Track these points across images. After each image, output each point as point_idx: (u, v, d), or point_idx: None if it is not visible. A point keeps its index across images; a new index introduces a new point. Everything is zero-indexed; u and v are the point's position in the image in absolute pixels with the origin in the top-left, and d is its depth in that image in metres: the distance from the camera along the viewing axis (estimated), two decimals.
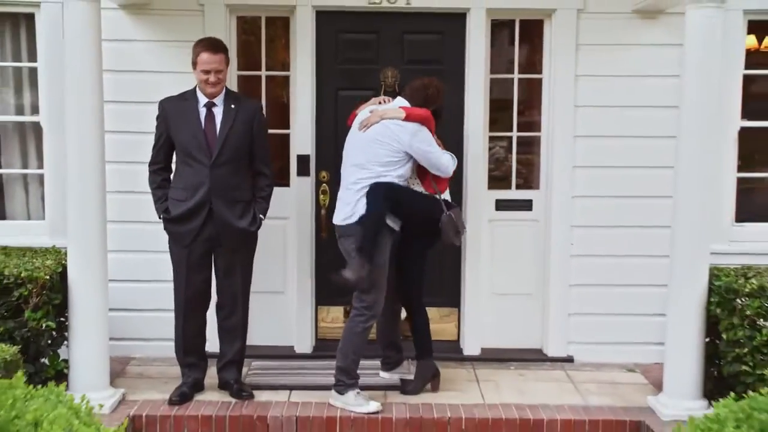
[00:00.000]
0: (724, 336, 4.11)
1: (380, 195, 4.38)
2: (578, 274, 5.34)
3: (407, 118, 4.41)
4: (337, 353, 4.49)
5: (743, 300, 4.03)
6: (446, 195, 4.75)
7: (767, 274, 4.20)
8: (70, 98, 4.33)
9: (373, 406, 4.36)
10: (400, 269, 4.64)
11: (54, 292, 4.13)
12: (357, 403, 4.35)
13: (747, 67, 5.34)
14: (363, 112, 4.64)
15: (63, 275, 4.24)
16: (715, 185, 4.60)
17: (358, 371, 4.47)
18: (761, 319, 3.97)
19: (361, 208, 4.39)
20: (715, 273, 4.32)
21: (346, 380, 4.39)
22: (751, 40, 5.48)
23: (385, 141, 4.42)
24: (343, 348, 4.47)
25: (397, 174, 4.47)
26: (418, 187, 4.63)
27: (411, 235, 4.59)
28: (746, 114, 5.34)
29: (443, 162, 4.53)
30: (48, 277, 4.06)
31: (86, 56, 4.26)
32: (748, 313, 3.97)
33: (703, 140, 4.28)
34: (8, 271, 3.95)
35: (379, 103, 4.71)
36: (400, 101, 4.57)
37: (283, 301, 5.42)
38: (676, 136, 4.44)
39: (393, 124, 4.42)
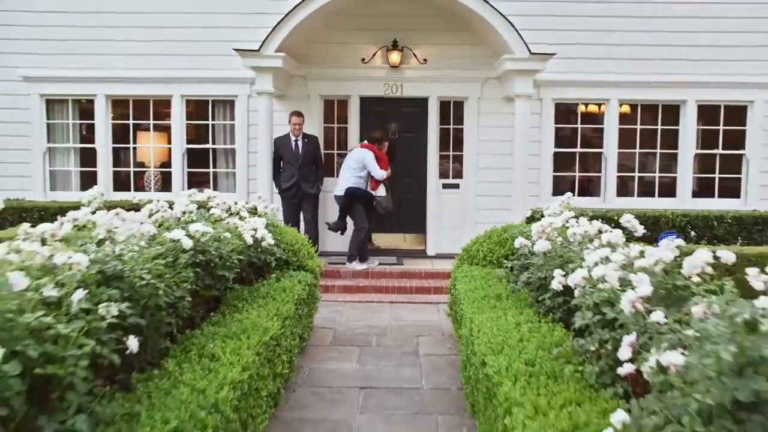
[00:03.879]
0: None
1: (352, 191, 7.32)
2: (479, 218, 8.11)
3: (361, 147, 7.44)
4: (349, 248, 7.42)
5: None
6: (382, 190, 7.40)
7: (548, 211, 7.39)
8: (261, 141, 7.55)
9: (363, 266, 7.38)
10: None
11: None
12: (357, 265, 7.36)
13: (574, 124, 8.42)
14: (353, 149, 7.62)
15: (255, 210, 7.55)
16: (527, 176, 7.59)
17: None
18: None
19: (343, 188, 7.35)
20: (530, 210, 7.52)
21: (352, 256, 7.41)
22: (600, 107, 8.49)
23: (354, 159, 7.35)
24: (351, 245, 7.41)
25: (360, 177, 7.30)
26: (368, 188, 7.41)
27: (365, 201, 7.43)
28: (559, 145, 8.35)
29: (375, 170, 7.23)
30: None
31: (265, 119, 7.51)
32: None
33: (522, 154, 7.49)
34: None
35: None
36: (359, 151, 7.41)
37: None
38: (514, 154, 7.62)
39: (362, 154, 7.31)
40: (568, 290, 3.13)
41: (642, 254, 2.55)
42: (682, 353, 1.70)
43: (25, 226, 2.67)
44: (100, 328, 2.16)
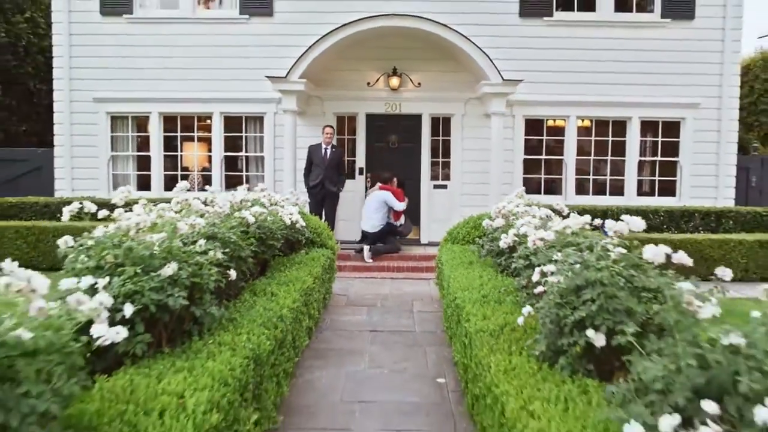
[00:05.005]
0: None
1: (386, 229, 8.37)
2: (463, 212, 8.85)
3: (380, 189, 8.37)
4: (380, 248, 8.35)
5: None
6: (402, 218, 8.50)
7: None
8: (286, 149, 8.64)
9: (371, 261, 8.29)
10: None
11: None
12: (369, 258, 8.32)
13: (540, 136, 9.50)
14: (372, 191, 8.57)
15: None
16: (501, 178, 8.58)
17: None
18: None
19: (376, 226, 8.29)
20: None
21: (374, 250, 8.44)
22: (561, 122, 9.62)
23: (378, 201, 8.32)
24: (381, 249, 8.37)
25: (383, 213, 8.25)
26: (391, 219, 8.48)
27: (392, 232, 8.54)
28: (527, 152, 9.43)
29: (397, 205, 8.25)
30: None
31: (289, 132, 8.59)
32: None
33: (497, 160, 8.54)
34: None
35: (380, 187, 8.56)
36: (381, 193, 8.36)
37: (352, 223, 9.24)
38: (491, 160, 8.68)
39: (382, 196, 8.25)
40: (515, 252, 4.19)
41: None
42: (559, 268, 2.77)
43: (153, 207, 3.72)
44: (213, 263, 3.23)
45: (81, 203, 3.17)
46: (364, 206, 8.53)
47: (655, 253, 2.21)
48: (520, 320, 2.95)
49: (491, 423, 2.54)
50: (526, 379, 2.43)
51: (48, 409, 1.47)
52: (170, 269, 2.64)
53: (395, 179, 8.64)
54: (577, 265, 2.64)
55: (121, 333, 2.27)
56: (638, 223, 2.44)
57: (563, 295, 2.58)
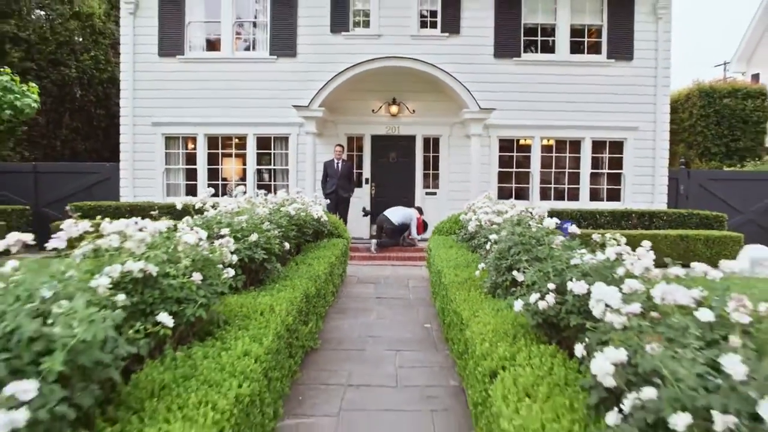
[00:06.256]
0: None
1: (401, 227, 9.59)
2: (449, 213, 10.26)
3: (417, 217, 9.61)
4: (385, 241, 9.61)
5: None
6: (414, 234, 9.63)
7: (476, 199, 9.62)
8: (307, 164, 9.86)
9: (375, 252, 9.64)
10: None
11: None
12: (374, 249, 9.68)
13: (512, 152, 10.70)
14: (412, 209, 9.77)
15: None
16: (480, 187, 9.83)
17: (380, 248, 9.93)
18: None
19: (397, 221, 9.42)
20: None
21: (377, 243, 9.74)
22: (528, 141, 10.86)
23: (408, 216, 9.52)
24: (385, 243, 9.59)
25: (405, 220, 9.37)
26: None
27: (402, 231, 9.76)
28: (501, 166, 10.64)
29: (414, 233, 9.36)
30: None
31: (309, 150, 9.82)
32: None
33: (477, 172, 9.76)
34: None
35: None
36: (415, 211, 9.62)
37: (361, 222, 10.48)
38: (471, 172, 9.88)
39: (414, 213, 9.54)
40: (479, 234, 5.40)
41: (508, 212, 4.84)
42: (498, 235, 3.98)
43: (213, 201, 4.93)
44: (273, 237, 4.44)
45: (182, 202, 4.35)
46: (398, 207, 9.65)
47: (549, 223, 3.42)
48: (477, 273, 4.15)
49: (456, 333, 3.73)
50: (476, 302, 3.63)
51: (223, 290, 2.67)
52: (254, 236, 3.85)
53: (422, 215, 9.83)
54: (511, 235, 3.85)
55: (231, 272, 3.48)
56: (545, 207, 3.65)
57: (501, 252, 3.78)
